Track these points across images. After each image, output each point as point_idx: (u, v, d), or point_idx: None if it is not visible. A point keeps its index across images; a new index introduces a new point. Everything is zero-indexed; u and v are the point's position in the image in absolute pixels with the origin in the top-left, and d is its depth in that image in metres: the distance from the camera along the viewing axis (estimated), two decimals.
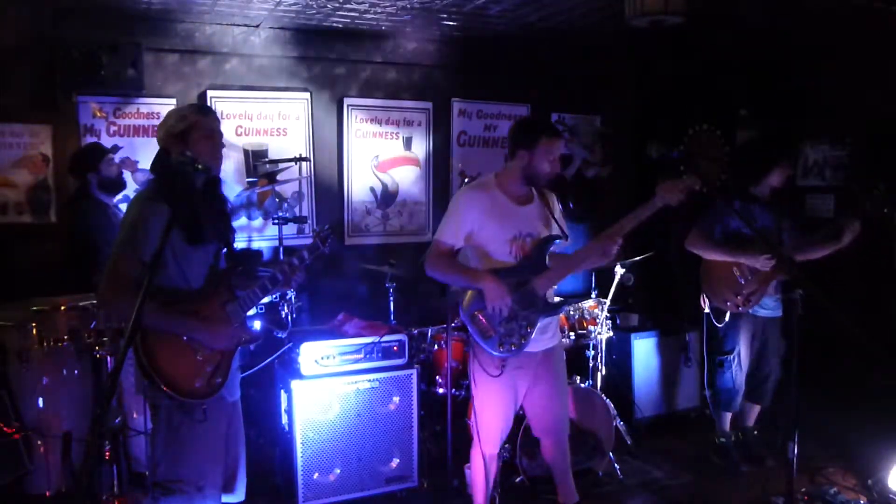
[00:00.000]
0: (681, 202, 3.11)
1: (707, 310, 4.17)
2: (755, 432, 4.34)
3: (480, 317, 3.07)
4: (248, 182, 4.95)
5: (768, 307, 4.11)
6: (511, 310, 3.04)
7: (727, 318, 4.07)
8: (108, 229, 4.04)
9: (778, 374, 4.18)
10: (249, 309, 2.71)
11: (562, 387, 3.33)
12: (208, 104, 4.81)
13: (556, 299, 3.25)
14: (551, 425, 3.32)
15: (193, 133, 2.54)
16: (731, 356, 4.12)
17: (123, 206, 4.57)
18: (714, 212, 4.07)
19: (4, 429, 3.38)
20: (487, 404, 3.20)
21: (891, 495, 3.71)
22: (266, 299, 3.64)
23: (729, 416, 4.26)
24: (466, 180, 4.02)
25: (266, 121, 5.07)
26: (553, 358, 3.28)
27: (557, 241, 3.18)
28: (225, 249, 2.74)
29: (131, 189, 4.71)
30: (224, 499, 2.72)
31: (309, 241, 2.89)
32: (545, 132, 3.11)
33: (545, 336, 3.21)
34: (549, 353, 3.25)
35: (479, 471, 3.34)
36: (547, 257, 3.15)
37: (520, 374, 3.17)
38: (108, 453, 3.18)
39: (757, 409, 4.30)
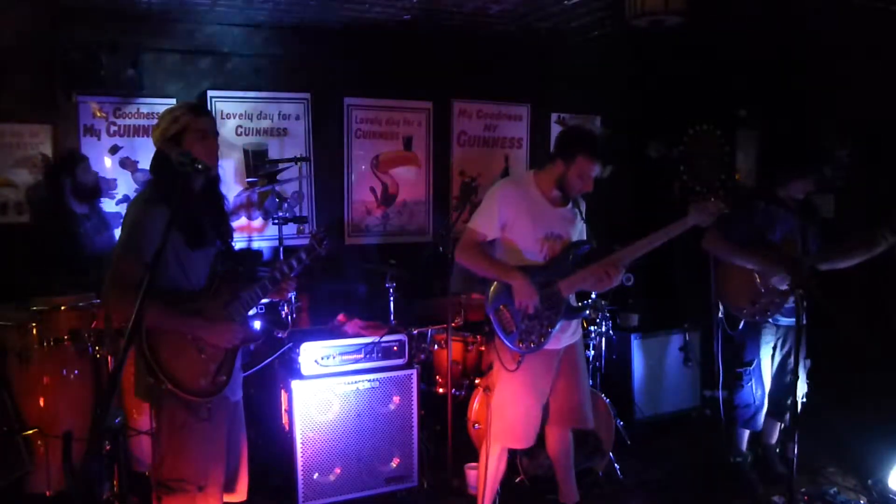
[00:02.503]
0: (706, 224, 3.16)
1: (720, 315, 3.95)
2: (777, 451, 4.10)
3: (505, 311, 3.11)
4: (248, 182, 4.95)
5: (790, 315, 3.80)
6: (536, 309, 3.06)
7: (741, 326, 3.87)
8: (74, 240, 4.00)
9: (805, 388, 3.88)
10: (250, 308, 2.72)
11: (584, 381, 3.39)
12: (208, 104, 4.82)
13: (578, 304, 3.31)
14: (573, 417, 3.36)
15: (186, 135, 2.54)
16: (751, 368, 3.86)
17: (121, 207, 4.60)
18: (736, 212, 3.78)
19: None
20: (506, 397, 3.23)
21: (891, 495, 3.71)
22: (265, 299, 3.64)
23: (747, 433, 4.01)
24: (467, 180, 4.04)
25: (266, 121, 5.07)
26: (575, 353, 3.35)
27: (585, 247, 3.22)
28: (224, 249, 2.75)
29: (130, 189, 4.73)
30: (225, 498, 2.72)
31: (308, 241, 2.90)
32: (585, 151, 3.10)
33: (566, 334, 3.27)
34: (572, 349, 3.32)
35: (484, 467, 3.33)
36: (575, 262, 3.19)
37: (541, 371, 3.21)
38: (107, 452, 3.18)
39: (779, 426, 4.04)
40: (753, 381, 3.87)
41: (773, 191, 3.88)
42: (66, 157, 4.22)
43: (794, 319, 3.80)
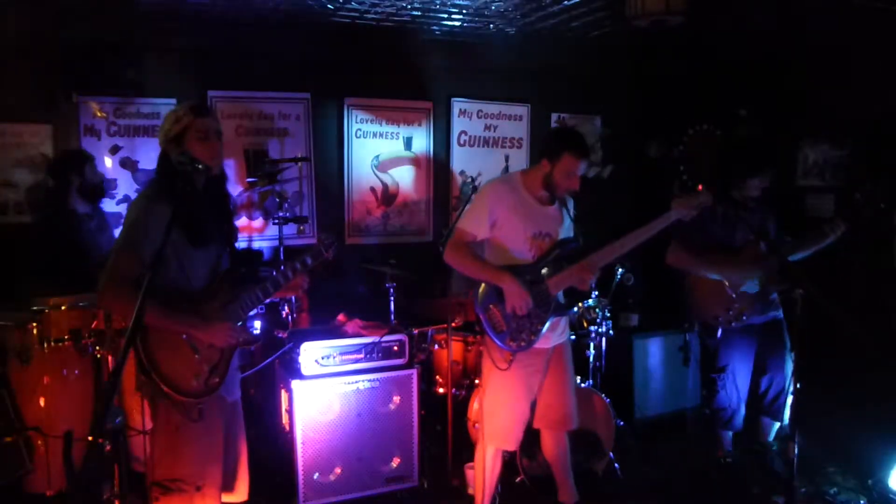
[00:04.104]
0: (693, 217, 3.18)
1: (696, 328, 3.96)
2: (774, 448, 4.08)
3: (494, 310, 3.12)
4: (249, 182, 4.95)
5: (762, 312, 3.85)
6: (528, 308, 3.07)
7: (719, 334, 3.85)
8: (76, 240, 3.95)
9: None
10: (250, 310, 2.72)
11: (571, 381, 3.39)
12: (208, 104, 4.81)
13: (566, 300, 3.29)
14: (558, 418, 3.36)
15: (187, 136, 2.55)
16: (724, 374, 3.90)
17: (121, 207, 4.60)
18: (694, 219, 3.70)
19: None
20: (498, 398, 3.24)
21: (891, 495, 3.71)
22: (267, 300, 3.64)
23: (731, 434, 4.06)
24: (467, 180, 4.04)
25: (266, 121, 5.07)
26: (563, 353, 3.35)
27: (573, 244, 3.24)
28: (227, 250, 2.75)
29: (131, 189, 4.73)
30: (225, 498, 2.72)
31: (310, 241, 2.90)
32: (571, 149, 3.11)
33: (556, 332, 3.28)
34: (560, 349, 3.33)
35: (481, 468, 3.34)
36: (563, 260, 3.19)
37: (531, 370, 3.22)
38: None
39: (776, 425, 4.04)
40: (728, 386, 3.91)
41: (728, 193, 3.86)
42: (75, 155, 4.18)
43: (767, 316, 3.87)
